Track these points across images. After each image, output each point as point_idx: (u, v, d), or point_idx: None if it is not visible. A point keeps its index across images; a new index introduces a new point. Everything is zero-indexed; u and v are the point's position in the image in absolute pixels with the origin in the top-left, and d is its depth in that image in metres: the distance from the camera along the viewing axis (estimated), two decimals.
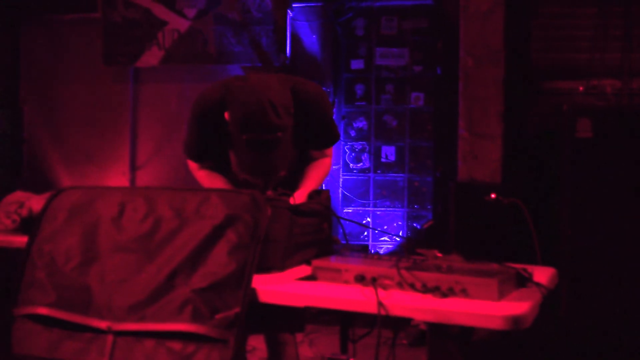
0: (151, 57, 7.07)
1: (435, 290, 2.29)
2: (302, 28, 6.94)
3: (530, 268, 2.52)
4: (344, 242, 3.18)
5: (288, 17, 6.76)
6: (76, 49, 7.47)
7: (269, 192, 2.97)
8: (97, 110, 7.45)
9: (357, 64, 7.15)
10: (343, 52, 7.15)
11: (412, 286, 2.33)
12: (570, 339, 4.82)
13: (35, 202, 3.86)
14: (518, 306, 2.16)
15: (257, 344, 4.38)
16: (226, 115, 2.93)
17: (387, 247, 7.08)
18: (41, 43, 7.58)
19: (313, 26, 6.97)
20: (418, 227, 7.08)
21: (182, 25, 6.97)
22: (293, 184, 3.16)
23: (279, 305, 2.41)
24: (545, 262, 2.83)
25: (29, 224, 3.69)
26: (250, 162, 2.91)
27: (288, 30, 6.75)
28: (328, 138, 3.35)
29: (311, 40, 6.96)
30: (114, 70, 7.34)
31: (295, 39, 6.89)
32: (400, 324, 2.46)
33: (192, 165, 3.36)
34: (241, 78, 3.03)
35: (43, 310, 2.46)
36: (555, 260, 4.41)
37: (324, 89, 6.70)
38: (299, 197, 3.03)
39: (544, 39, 5.88)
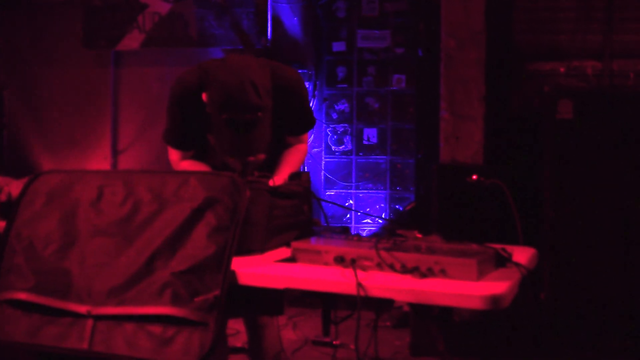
0: (132, 41, 7.04)
1: (415, 270, 2.29)
2: (283, 10, 6.92)
3: (509, 248, 2.53)
4: (325, 224, 3.18)
5: None
6: (56, 32, 7.42)
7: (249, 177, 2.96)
8: (78, 95, 7.41)
9: (338, 46, 7.13)
10: (324, 34, 7.13)
11: (392, 267, 2.33)
12: (552, 319, 4.84)
13: (15, 187, 3.84)
14: (497, 286, 2.17)
15: (241, 327, 4.38)
16: (204, 96, 2.92)
17: (370, 229, 7.09)
18: (20, 27, 7.52)
19: (294, 8, 6.94)
20: (400, 208, 7.09)
21: (163, 8, 6.93)
22: (270, 170, 3.15)
23: (257, 289, 2.41)
24: (527, 243, 2.84)
25: (8, 209, 3.67)
26: (230, 143, 2.90)
27: (269, 13, 6.73)
28: (305, 123, 3.35)
29: (292, 22, 6.93)
30: (94, 53, 7.30)
31: (276, 21, 6.87)
32: (382, 305, 2.46)
33: (174, 157, 3.30)
34: (219, 59, 3.02)
35: (22, 296, 2.45)
36: (537, 241, 4.44)
37: (305, 71, 6.70)
38: (277, 181, 3.03)
39: (525, 20, 5.87)
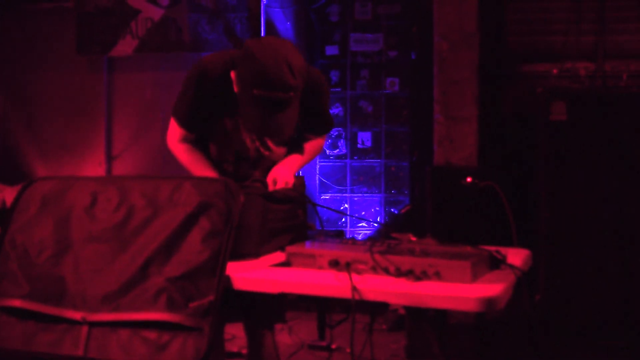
0: (125, 46, 7.04)
1: (409, 273, 2.29)
2: (276, 14, 6.93)
3: (504, 250, 2.53)
4: (320, 228, 3.18)
5: (262, 3, 6.74)
6: (50, 38, 7.42)
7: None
8: (72, 100, 7.41)
9: (331, 50, 7.15)
10: (317, 39, 7.14)
11: (386, 270, 2.33)
12: (547, 321, 4.84)
13: (9, 194, 3.85)
14: (491, 288, 2.17)
15: (236, 332, 4.38)
16: (232, 74, 2.86)
17: (365, 233, 7.09)
18: (14, 33, 7.52)
19: (287, 13, 6.95)
20: (395, 212, 7.09)
21: (156, 13, 6.94)
22: None
23: (261, 296, 2.40)
24: (522, 245, 2.84)
25: (2, 216, 3.67)
26: (258, 122, 2.82)
27: (262, 17, 6.73)
28: (327, 124, 3.36)
29: (285, 26, 6.94)
30: (88, 59, 7.30)
31: (269, 25, 6.87)
32: (377, 309, 2.46)
33: (173, 137, 3.22)
34: (253, 39, 2.95)
35: (17, 303, 2.44)
36: (532, 243, 4.43)
37: None
38: (286, 165, 3.05)
39: (518, 21, 5.88)
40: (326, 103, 3.28)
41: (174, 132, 3.21)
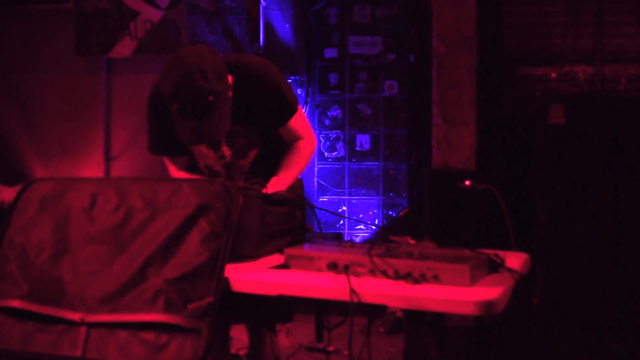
0: (124, 48, 7.04)
1: (408, 276, 2.29)
2: (275, 17, 6.93)
3: (502, 254, 2.53)
4: (318, 230, 3.17)
5: (261, 5, 6.74)
6: (48, 39, 7.42)
7: (241, 183, 2.95)
8: (71, 102, 7.41)
9: (330, 53, 7.15)
10: (316, 41, 7.14)
11: (385, 273, 2.33)
12: (545, 324, 4.85)
13: (8, 195, 3.84)
14: (489, 291, 2.17)
15: (233, 334, 4.36)
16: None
17: (363, 236, 7.09)
18: (12, 34, 7.51)
19: (286, 15, 6.95)
20: (393, 214, 7.09)
21: (155, 15, 6.94)
22: (272, 174, 3.13)
23: (263, 297, 2.41)
24: (520, 248, 2.84)
25: (0, 217, 3.67)
26: (188, 132, 2.84)
27: (261, 19, 6.73)
28: (284, 110, 3.16)
29: (284, 29, 6.94)
30: (86, 60, 7.29)
31: (268, 28, 6.87)
32: (375, 311, 2.46)
33: (171, 167, 3.32)
34: (172, 53, 2.97)
35: (15, 303, 2.44)
36: (530, 246, 4.44)
37: (297, 77, 6.71)
38: (271, 186, 3.01)
39: (516, 25, 5.90)
40: (273, 87, 3.08)
41: (168, 166, 3.34)
